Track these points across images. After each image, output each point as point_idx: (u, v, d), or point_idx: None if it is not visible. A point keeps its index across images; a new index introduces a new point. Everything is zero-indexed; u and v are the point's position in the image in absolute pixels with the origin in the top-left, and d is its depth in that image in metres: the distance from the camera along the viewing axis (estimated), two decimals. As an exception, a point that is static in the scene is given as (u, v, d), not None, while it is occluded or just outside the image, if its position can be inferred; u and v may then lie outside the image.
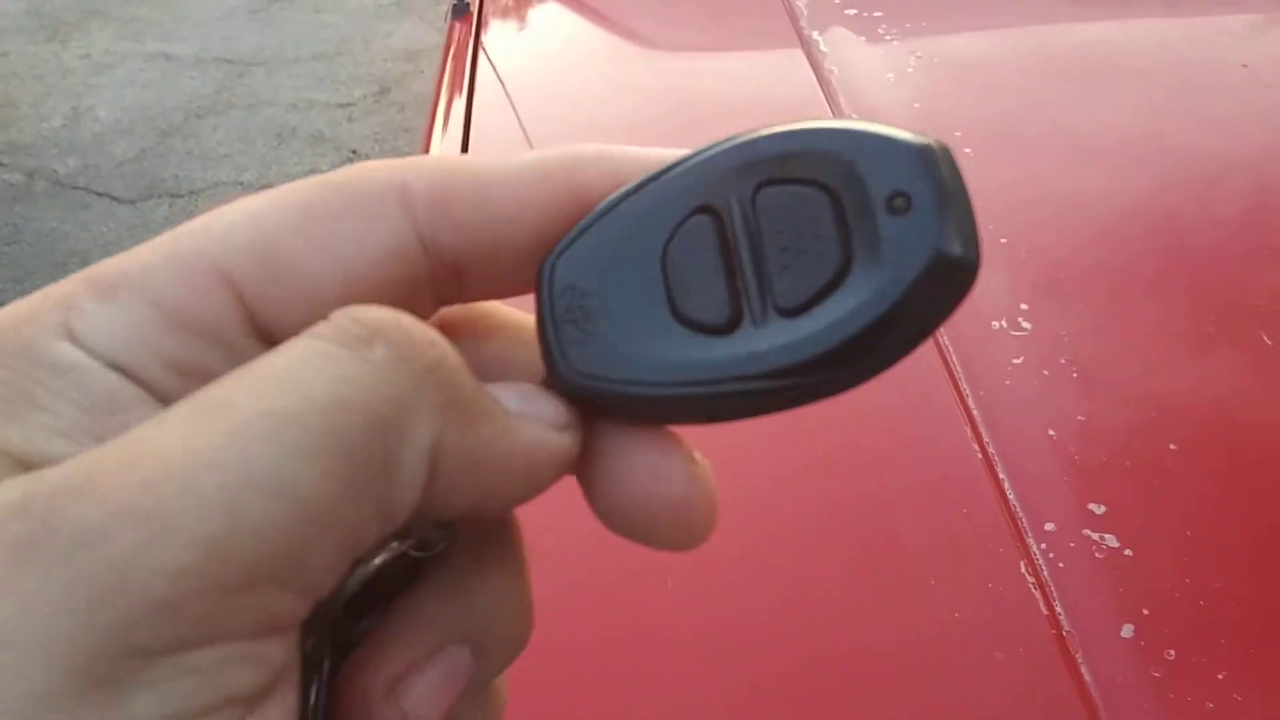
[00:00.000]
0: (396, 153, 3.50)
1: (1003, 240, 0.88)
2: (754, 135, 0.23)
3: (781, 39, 1.20)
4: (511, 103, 1.18)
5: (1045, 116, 1.04)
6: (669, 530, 0.22)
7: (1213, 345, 0.79)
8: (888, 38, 1.16)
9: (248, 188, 3.39)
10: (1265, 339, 0.78)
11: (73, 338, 0.20)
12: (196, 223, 0.22)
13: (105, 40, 4.41)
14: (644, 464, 0.22)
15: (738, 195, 0.23)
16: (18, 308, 0.20)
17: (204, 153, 3.60)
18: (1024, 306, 0.82)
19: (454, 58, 1.30)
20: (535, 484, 0.22)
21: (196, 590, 0.17)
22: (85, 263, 2.53)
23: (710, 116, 1.10)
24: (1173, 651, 0.61)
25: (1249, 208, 0.93)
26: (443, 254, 0.22)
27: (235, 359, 0.20)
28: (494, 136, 1.12)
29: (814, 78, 1.11)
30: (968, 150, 0.98)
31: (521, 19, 1.40)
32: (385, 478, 0.19)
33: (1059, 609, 0.63)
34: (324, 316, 0.20)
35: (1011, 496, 0.70)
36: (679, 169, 0.24)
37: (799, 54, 1.15)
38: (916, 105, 1.05)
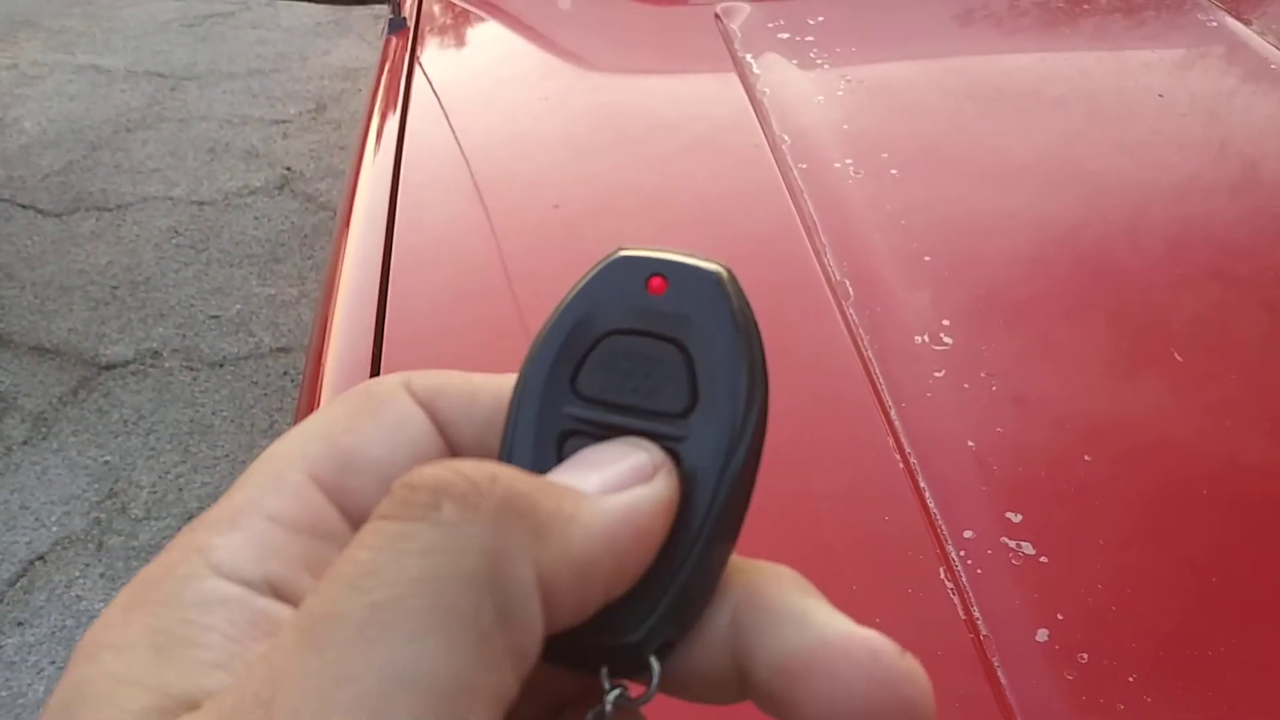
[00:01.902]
0: (331, 170, 3.48)
1: (926, 258, 0.90)
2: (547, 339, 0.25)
3: (715, 61, 1.22)
4: (447, 118, 1.18)
5: (968, 140, 1.07)
6: None
7: (1127, 362, 0.82)
8: (819, 62, 1.18)
9: (178, 202, 3.33)
10: (1176, 356, 0.81)
11: (217, 572, 0.21)
12: (268, 452, 0.24)
13: (34, 51, 4.33)
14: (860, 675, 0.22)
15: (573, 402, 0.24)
16: (154, 568, 0.21)
17: (133, 166, 3.54)
18: (945, 322, 0.84)
19: (389, 72, 1.30)
20: (651, 540, 0.22)
21: None
22: (9, 275, 2.48)
23: (644, 133, 1.11)
24: (1085, 655, 0.62)
25: (1162, 230, 0.96)
26: (446, 434, 0.25)
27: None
28: (427, 152, 1.12)
29: (746, 98, 1.13)
30: (894, 171, 1.01)
31: (458, 36, 1.41)
32: (504, 627, 0.19)
33: (976, 613, 0.64)
34: None
35: (932, 505, 0.71)
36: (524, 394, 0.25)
37: (732, 76, 1.17)
38: (845, 127, 1.07)
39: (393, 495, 0.20)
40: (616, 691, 0.23)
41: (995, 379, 0.80)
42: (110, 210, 3.30)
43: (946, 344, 0.82)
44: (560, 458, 0.23)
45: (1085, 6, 1.36)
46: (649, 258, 0.24)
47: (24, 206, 3.30)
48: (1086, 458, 0.74)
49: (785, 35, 1.24)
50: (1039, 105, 1.12)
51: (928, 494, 0.72)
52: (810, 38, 1.23)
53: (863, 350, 0.81)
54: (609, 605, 0.22)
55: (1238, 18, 1.30)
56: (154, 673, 0.19)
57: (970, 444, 0.75)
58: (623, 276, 0.24)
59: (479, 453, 0.25)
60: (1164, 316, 0.86)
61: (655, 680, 0.23)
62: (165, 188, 3.42)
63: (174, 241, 3.15)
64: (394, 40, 1.38)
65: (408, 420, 0.24)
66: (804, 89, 1.13)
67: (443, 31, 1.39)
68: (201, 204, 3.34)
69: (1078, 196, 0.99)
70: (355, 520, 0.23)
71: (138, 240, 3.15)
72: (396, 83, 1.26)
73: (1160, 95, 1.12)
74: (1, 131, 3.72)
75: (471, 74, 1.31)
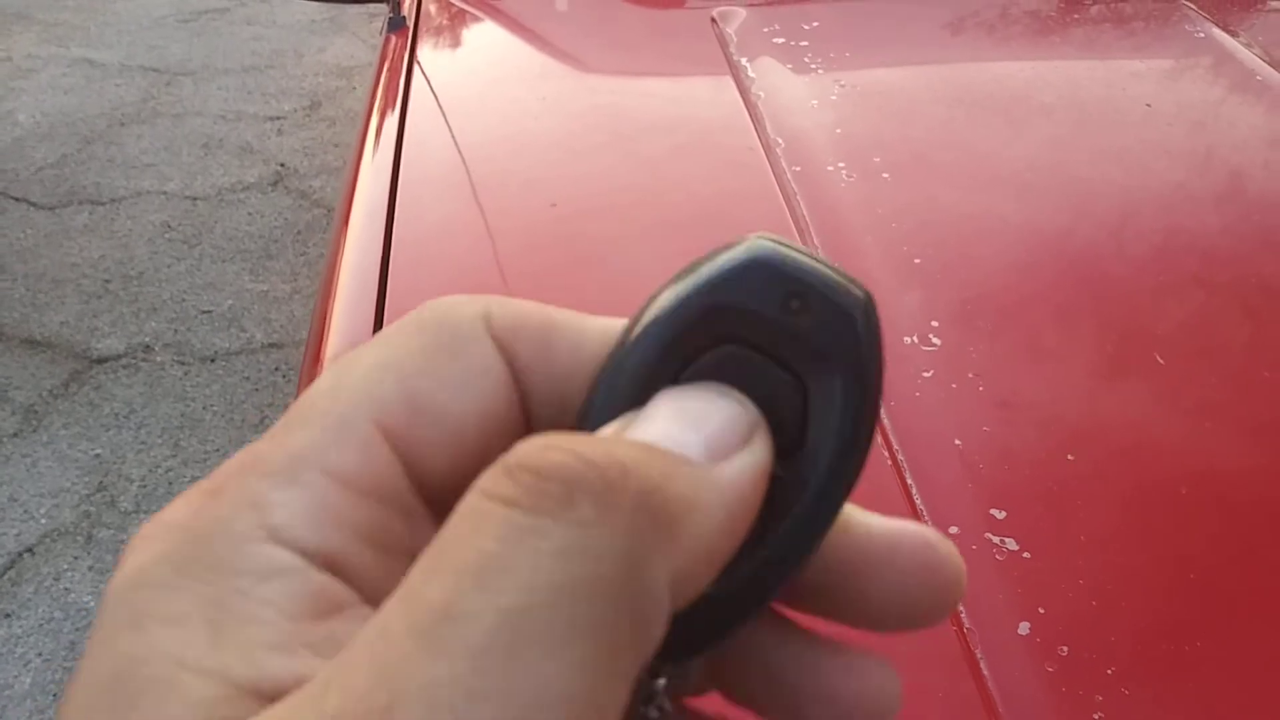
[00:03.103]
0: (325, 167, 3.49)
1: (916, 261, 0.92)
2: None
3: (711, 64, 1.23)
4: (445, 117, 1.20)
5: (959, 146, 1.08)
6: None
7: (1110, 364, 0.84)
8: (813, 67, 1.20)
9: (171, 197, 3.34)
10: (1159, 359, 0.83)
11: (275, 537, 0.19)
12: (332, 381, 0.22)
13: (28, 44, 4.32)
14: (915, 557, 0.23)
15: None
16: (202, 517, 0.20)
17: (127, 161, 3.54)
18: (934, 324, 0.86)
19: (388, 71, 1.31)
20: (752, 512, 0.21)
21: None
22: (1, 268, 2.47)
23: (640, 134, 1.12)
24: (1066, 648, 0.64)
25: (1148, 237, 0.98)
26: (520, 379, 0.23)
27: (409, 518, 0.20)
28: (425, 150, 1.14)
29: (741, 101, 1.14)
30: (885, 175, 1.02)
31: (457, 35, 1.42)
32: (640, 639, 0.18)
33: (960, 607, 0.66)
34: (465, 455, 0.21)
35: (918, 501, 0.73)
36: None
37: (727, 79, 1.19)
38: (838, 130, 1.09)
39: (515, 478, 0.18)
40: (661, 681, 0.22)
41: (982, 380, 0.82)
42: (103, 204, 3.30)
43: (935, 345, 0.84)
44: None
45: (1075, 16, 1.38)
46: (791, 271, 0.22)
47: (17, 199, 3.30)
48: (1070, 457, 0.76)
49: (780, 40, 1.25)
50: (1029, 112, 1.14)
51: (914, 491, 0.74)
52: (805, 42, 1.25)
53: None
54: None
55: (1225, 29, 1.32)
56: (212, 654, 0.18)
57: (957, 443, 0.77)
58: (761, 281, 0.22)
59: (551, 402, 0.23)
60: (1148, 321, 0.88)
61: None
62: (159, 182, 3.43)
63: (167, 236, 3.16)
64: (393, 39, 1.39)
65: (487, 367, 0.22)
66: (798, 93, 1.15)
67: (441, 31, 1.40)
68: (195, 199, 3.35)
69: (1066, 203, 1.01)
70: (419, 478, 0.21)
71: (130, 234, 3.15)
72: (395, 81, 1.28)
73: (1148, 105, 1.14)
74: (-5, 124, 3.72)
75: (470, 73, 1.32)
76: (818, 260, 0.22)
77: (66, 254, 3.05)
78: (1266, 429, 0.79)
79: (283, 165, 3.52)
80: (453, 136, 1.15)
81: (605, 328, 0.23)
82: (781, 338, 0.22)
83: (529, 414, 0.23)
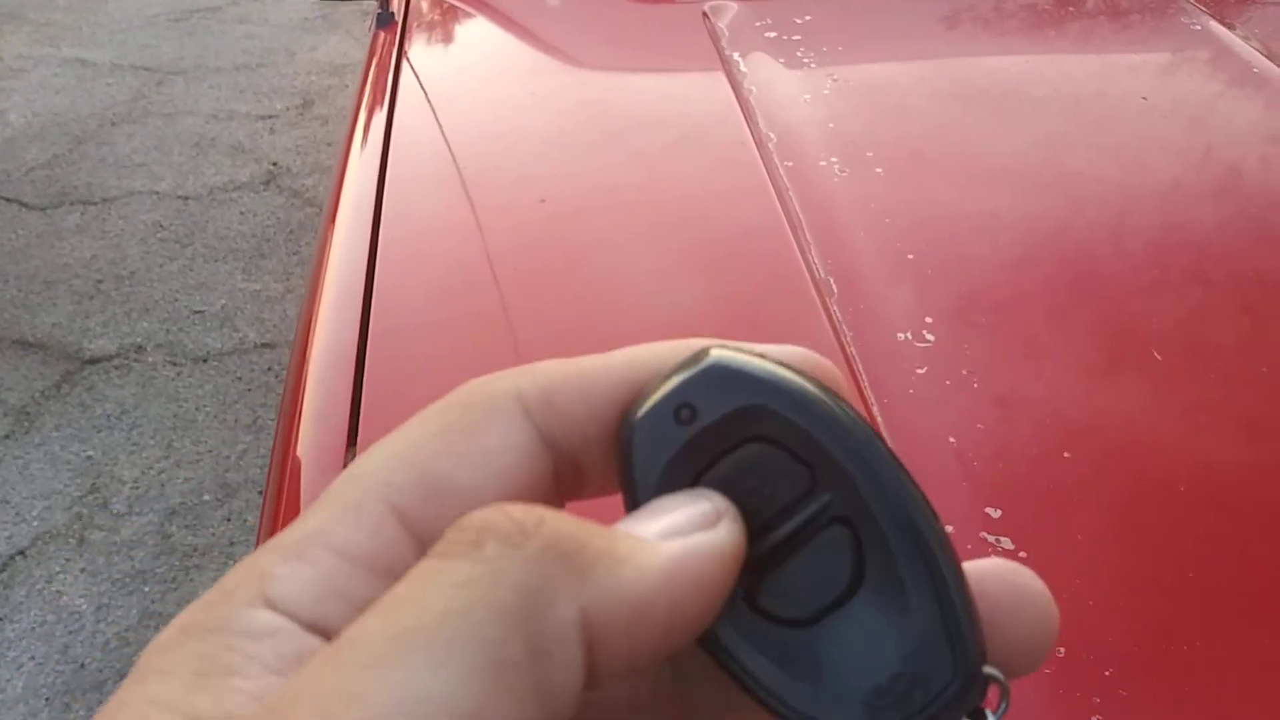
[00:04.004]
0: (318, 166, 3.47)
1: (910, 257, 0.91)
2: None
3: (703, 59, 1.22)
4: (434, 113, 1.19)
5: (953, 140, 1.07)
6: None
7: (1106, 361, 0.82)
8: (806, 61, 1.19)
9: (163, 197, 3.32)
10: (1156, 355, 0.82)
11: (270, 604, 0.20)
12: (352, 469, 0.23)
13: (19, 44, 4.31)
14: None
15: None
16: (215, 591, 0.21)
17: (119, 160, 3.52)
18: (929, 320, 0.85)
19: (376, 67, 1.30)
20: (713, 588, 0.21)
21: None
22: (-9, 270, 2.45)
23: (630, 130, 1.11)
24: (1062, 649, 0.63)
25: (1144, 232, 0.97)
26: (561, 449, 0.23)
27: None
28: (414, 147, 1.12)
29: (733, 96, 1.13)
30: (879, 170, 1.01)
31: (446, 31, 1.41)
32: (534, 664, 0.18)
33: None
34: None
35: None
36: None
37: (719, 74, 1.17)
38: (831, 125, 1.08)
39: (444, 536, 0.20)
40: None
41: (976, 376, 0.80)
42: (95, 204, 3.28)
43: (929, 341, 0.83)
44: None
45: (1070, 9, 1.37)
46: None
47: (8, 200, 3.28)
48: (1065, 455, 0.75)
49: (772, 34, 1.24)
50: (1023, 106, 1.13)
51: (909, 489, 0.72)
52: (797, 36, 1.23)
53: (846, 347, 0.81)
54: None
55: (1221, 22, 1.31)
56: (187, 697, 0.19)
57: (951, 440, 0.76)
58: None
59: (596, 452, 0.23)
60: (1144, 317, 0.87)
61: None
62: (150, 182, 3.41)
63: (159, 236, 3.14)
64: (381, 35, 1.38)
65: (510, 443, 0.23)
66: (790, 87, 1.13)
67: (430, 27, 1.39)
68: (186, 199, 3.33)
69: (1060, 197, 1.00)
70: None
71: (122, 235, 3.14)
72: (384, 78, 1.26)
73: (1144, 98, 1.13)
74: (-14, 124, 3.70)
75: (459, 69, 1.31)
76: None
77: (58, 254, 3.03)
78: (1263, 426, 0.78)
79: (275, 164, 3.51)
80: (441, 133, 1.14)
81: (613, 371, 0.24)
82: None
83: (583, 476, 0.24)
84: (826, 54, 1.21)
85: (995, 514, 0.71)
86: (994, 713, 0.22)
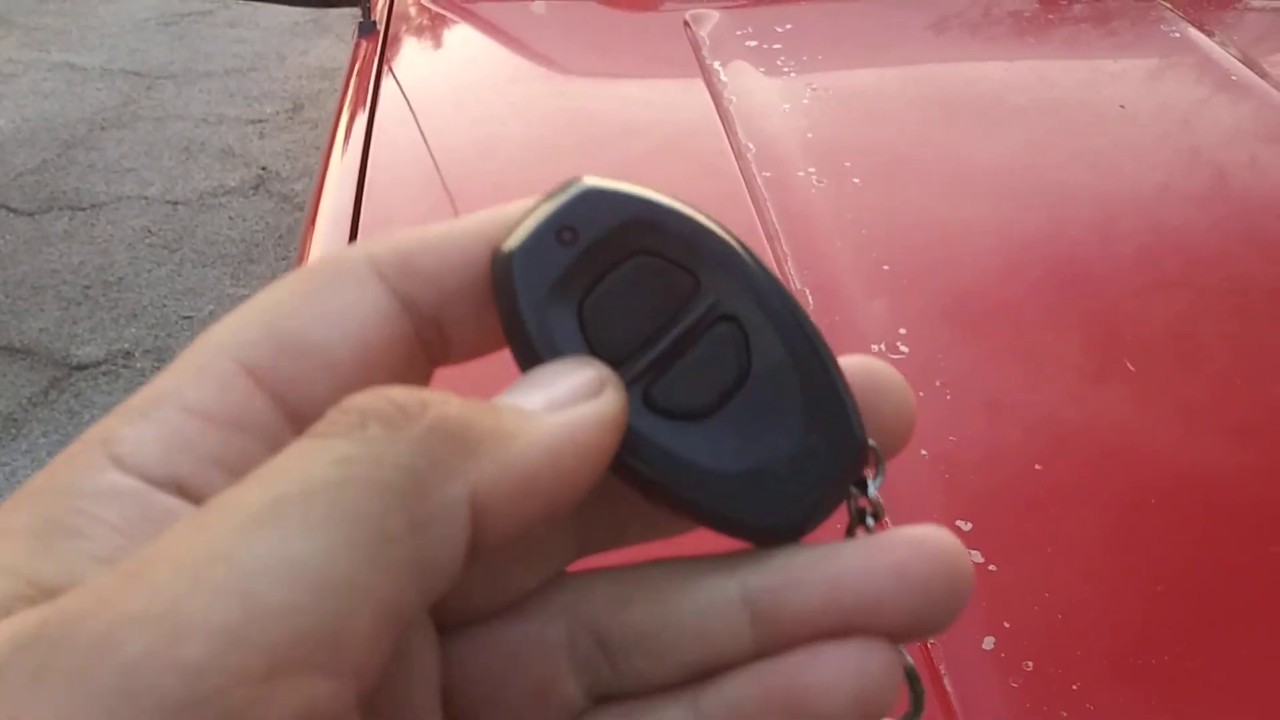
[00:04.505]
0: (307, 170, 3.47)
1: (885, 267, 0.91)
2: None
3: (683, 68, 1.22)
4: (416, 120, 1.19)
5: (931, 149, 1.07)
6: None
7: (1080, 372, 0.83)
8: (786, 70, 1.19)
9: (152, 202, 3.32)
10: (1129, 366, 0.82)
11: (117, 464, 0.20)
12: (206, 333, 0.22)
13: (8, 49, 4.30)
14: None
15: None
16: (57, 460, 0.21)
17: (108, 165, 3.52)
18: (902, 331, 0.85)
19: (358, 74, 1.30)
20: (599, 456, 0.21)
21: (218, 686, 0.16)
22: (-22, 275, 2.44)
23: (610, 138, 1.11)
24: (1030, 663, 0.63)
25: (1121, 240, 0.97)
26: (420, 310, 0.23)
27: (277, 448, 0.20)
28: (394, 153, 1.12)
29: (712, 105, 1.13)
30: (856, 180, 1.01)
31: (428, 39, 1.41)
32: (415, 539, 0.18)
33: (924, 621, 0.65)
34: (346, 388, 0.21)
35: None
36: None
37: (699, 82, 1.18)
38: (809, 135, 1.08)
39: (325, 416, 0.19)
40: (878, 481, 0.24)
41: (950, 388, 0.80)
42: (84, 209, 3.28)
43: (903, 352, 0.83)
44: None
45: (1051, 17, 1.37)
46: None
47: (-4, 205, 3.27)
48: (1037, 467, 0.75)
49: (753, 43, 1.24)
50: (1002, 115, 1.13)
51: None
52: (778, 45, 1.23)
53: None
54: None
55: (1201, 29, 1.31)
56: (28, 561, 0.18)
57: (923, 452, 0.76)
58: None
59: (468, 302, 0.23)
60: (1118, 327, 0.87)
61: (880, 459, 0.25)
62: (139, 187, 3.41)
63: (147, 241, 3.13)
64: (364, 43, 1.38)
65: (363, 297, 0.22)
66: (770, 97, 1.14)
67: (412, 34, 1.39)
68: (175, 204, 3.33)
69: (1037, 207, 1.00)
70: (296, 414, 0.22)
71: (111, 240, 3.13)
72: (365, 85, 1.26)
73: (1122, 106, 1.13)
74: (-26, 129, 3.69)
75: (440, 77, 1.31)
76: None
77: (46, 260, 3.03)
78: (1240, 436, 0.78)
79: (264, 169, 3.50)
80: (422, 139, 1.14)
81: (471, 228, 0.24)
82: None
83: (448, 340, 0.24)
84: (807, 63, 1.21)
85: (966, 527, 0.71)
86: (874, 479, 0.24)
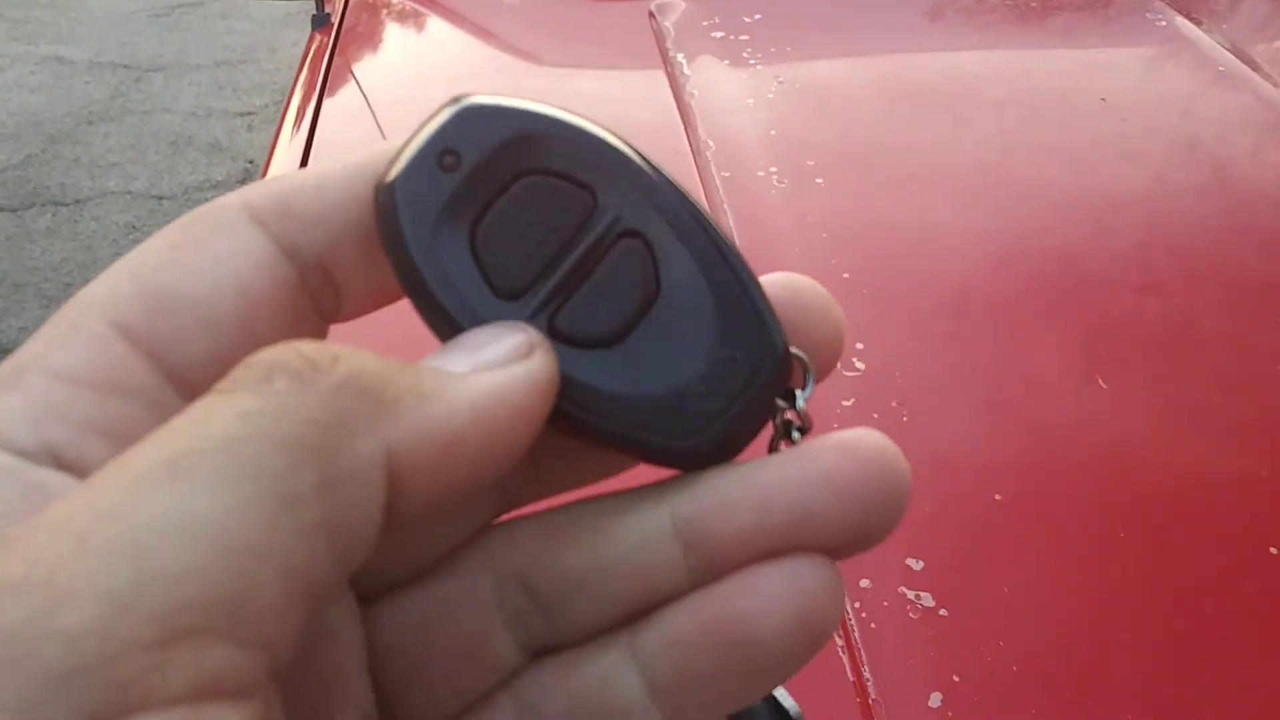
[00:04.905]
0: (295, 165, 3.42)
1: (845, 276, 0.85)
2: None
3: (645, 60, 1.16)
4: (373, 113, 1.13)
5: (901, 146, 1.01)
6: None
7: (1049, 391, 0.76)
8: (751, 62, 1.12)
9: (137, 197, 3.27)
10: (1101, 383, 0.76)
11: None
12: (78, 294, 0.21)
13: (-4, 41, 4.25)
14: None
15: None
16: None
17: (93, 160, 3.47)
18: (859, 346, 0.79)
19: (308, 70, 1.24)
20: (529, 421, 0.20)
21: (104, 654, 0.15)
22: (-43, 272, 2.40)
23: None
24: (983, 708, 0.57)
25: (1099, 246, 0.91)
26: (304, 257, 0.22)
27: (160, 411, 0.19)
28: (336, 151, 1.07)
29: (673, 101, 1.07)
30: (819, 180, 0.95)
31: (380, 32, 1.35)
32: (325, 499, 0.17)
33: (867, 674, 0.59)
34: (227, 343, 0.20)
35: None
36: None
37: (661, 76, 1.11)
38: (772, 132, 1.01)
39: (229, 374, 0.18)
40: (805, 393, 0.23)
41: (906, 409, 0.74)
42: (67, 205, 3.23)
43: (859, 370, 0.77)
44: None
45: (1033, 5, 1.30)
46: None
47: (-21, 201, 3.23)
48: (997, 496, 0.69)
49: (720, 34, 1.18)
50: (976, 108, 1.06)
51: (828, 535, 0.66)
52: (745, 36, 1.17)
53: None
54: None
55: (1189, 18, 1.24)
56: None
57: (875, 481, 0.70)
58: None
59: (354, 241, 0.22)
60: (1094, 341, 0.80)
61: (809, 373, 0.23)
62: (125, 182, 3.36)
63: (131, 238, 3.09)
64: (316, 36, 1.32)
65: (239, 245, 0.21)
66: (733, 91, 1.07)
67: (365, 28, 1.33)
68: (161, 199, 3.28)
69: (1010, 209, 0.93)
70: (176, 374, 0.20)
71: (94, 236, 3.09)
72: (314, 81, 1.21)
73: (1103, 99, 1.06)
74: (-40, 124, 3.65)
75: (391, 72, 1.25)
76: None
77: (27, 257, 2.98)
78: (1210, 468, 0.71)
79: (252, 162, 3.45)
80: (368, 136, 1.09)
81: (350, 167, 0.22)
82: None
83: (339, 290, 0.23)
84: (774, 54, 1.14)
85: (917, 566, 0.65)
86: (801, 391, 0.23)
